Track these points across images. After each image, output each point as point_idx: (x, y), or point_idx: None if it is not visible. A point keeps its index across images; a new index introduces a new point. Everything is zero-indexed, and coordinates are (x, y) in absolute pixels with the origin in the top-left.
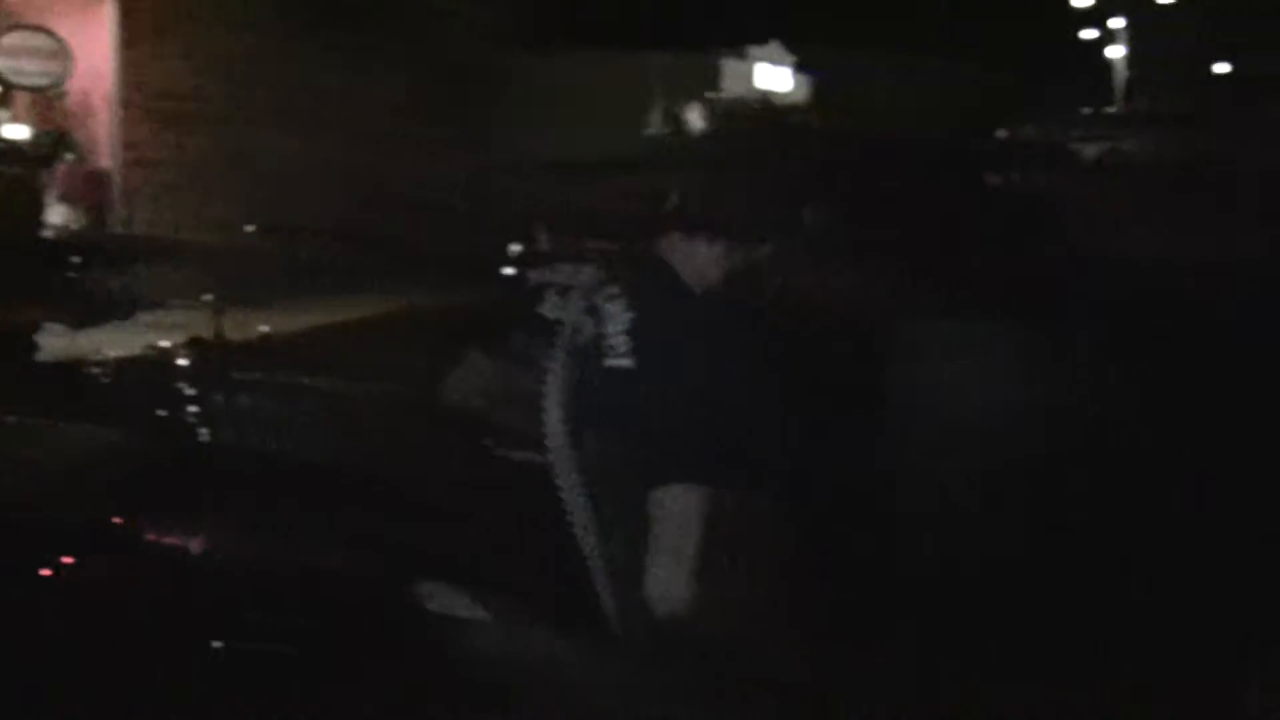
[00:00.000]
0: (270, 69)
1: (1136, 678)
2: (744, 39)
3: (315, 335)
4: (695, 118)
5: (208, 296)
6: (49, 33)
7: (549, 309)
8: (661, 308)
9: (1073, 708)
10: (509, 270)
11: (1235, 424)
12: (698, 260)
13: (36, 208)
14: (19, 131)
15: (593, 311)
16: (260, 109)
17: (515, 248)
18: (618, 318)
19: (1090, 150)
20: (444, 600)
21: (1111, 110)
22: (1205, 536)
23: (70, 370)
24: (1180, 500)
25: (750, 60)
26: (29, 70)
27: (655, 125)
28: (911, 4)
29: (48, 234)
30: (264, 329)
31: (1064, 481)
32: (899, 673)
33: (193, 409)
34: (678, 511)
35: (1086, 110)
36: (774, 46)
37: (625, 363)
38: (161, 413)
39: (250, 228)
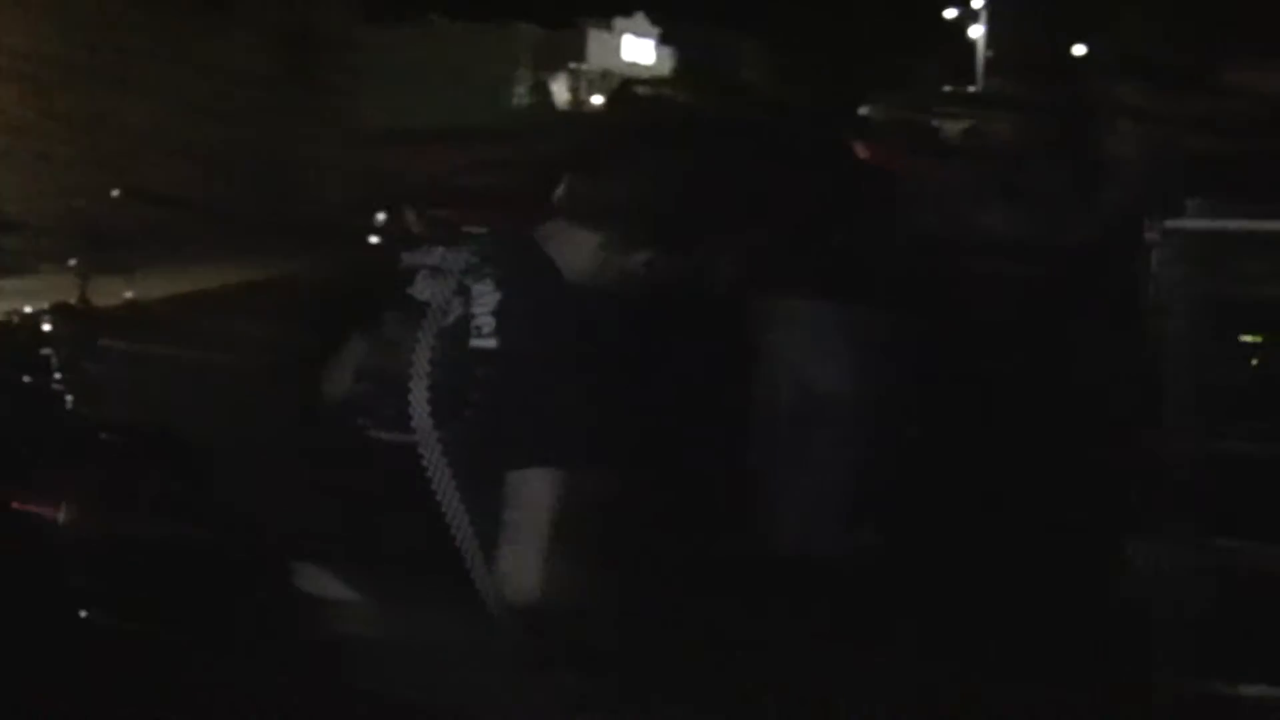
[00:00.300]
0: (133, 33)
1: None
2: (610, 10)
3: (180, 302)
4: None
5: (73, 262)
6: None
7: (419, 290)
8: (532, 292)
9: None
10: (374, 241)
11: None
12: (576, 248)
13: None
14: None
15: (462, 292)
16: (124, 73)
17: (381, 218)
18: (486, 299)
19: (950, 129)
20: (312, 580)
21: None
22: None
23: None
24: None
25: (617, 32)
26: None
27: (521, 96)
28: None
29: None
30: (129, 295)
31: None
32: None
33: (56, 376)
34: (534, 494)
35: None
36: (640, 19)
37: (490, 344)
38: (25, 379)
39: (115, 192)
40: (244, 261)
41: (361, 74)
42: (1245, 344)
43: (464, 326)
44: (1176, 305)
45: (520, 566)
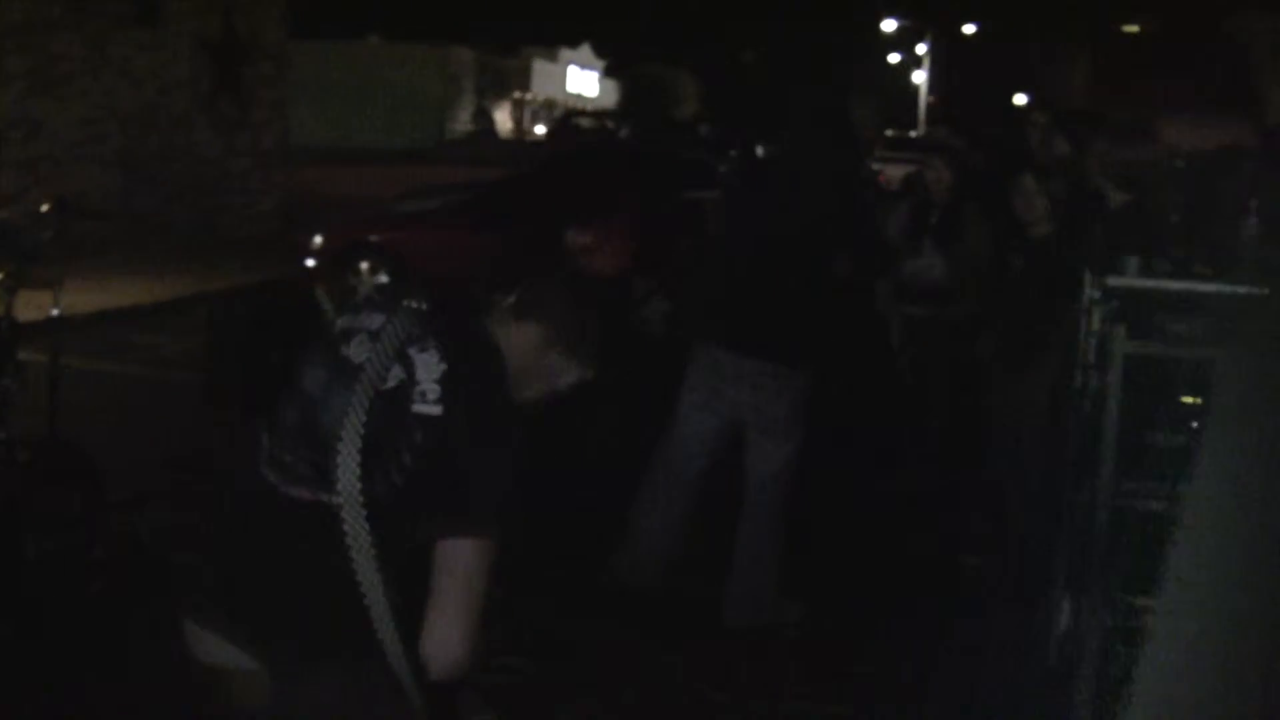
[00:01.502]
0: (63, 41)
1: None
2: (555, 39)
3: (105, 318)
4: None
5: None
6: None
7: (355, 352)
8: (479, 367)
9: None
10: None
11: None
12: (520, 346)
13: None
14: None
15: (403, 359)
16: (53, 81)
17: (318, 240)
18: (431, 368)
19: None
20: (211, 647)
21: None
22: None
23: None
24: None
25: (562, 63)
26: None
27: (463, 121)
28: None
29: None
30: (55, 311)
31: None
32: None
33: None
34: (466, 563)
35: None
36: (585, 51)
37: (434, 410)
38: None
39: (44, 207)
40: (172, 276)
41: (295, 90)
42: (1185, 405)
43: (405, 393)
44: (1112, 362)
45: (445, 638)
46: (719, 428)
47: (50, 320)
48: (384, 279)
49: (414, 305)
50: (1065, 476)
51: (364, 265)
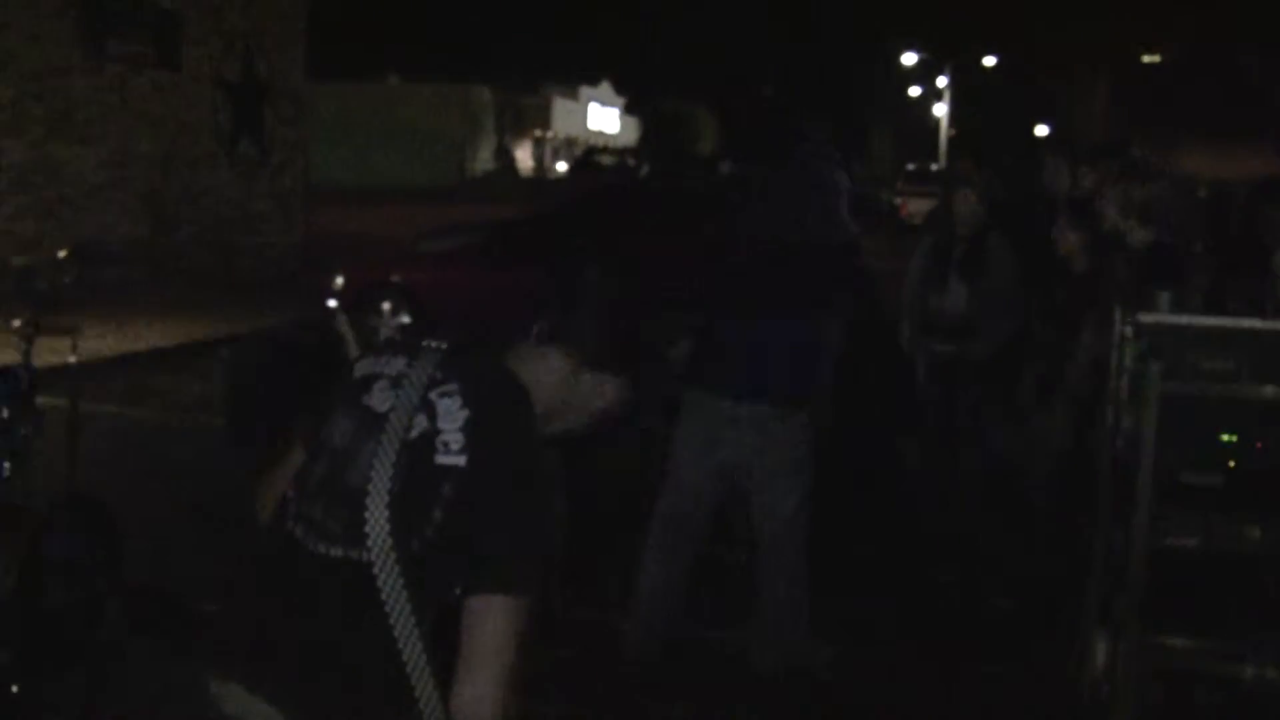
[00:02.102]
0: (84, 84)
1: None
2: (575, 77)
3: (124, 362)
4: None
5: (16, 323)
6: None
7: (377, 401)
8: (505, 413)
9: None
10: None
11: None
12: (548, 376)
13: None
14: None
15: (426, 407)
16: (73, 124)
17: (339, 281)
18: (455, 415)
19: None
20: (239, 704)
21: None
22: None
23: None
24: None
25: (583, 100)
26: None
27: (484, 160)
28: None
29: None
30: (73, 359)
31: None
32: None
33: None
34: (498, 622)
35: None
36: (605, 88)
37: (459, 461)
38: None
39: (63, 253)
40: (192, 319)
41: (315, 131)
42: (1220, 442)
43: (429, 441)
44: (1146, 402)
45: (475, 699)
46: (718, 477)
47: (69, 368)
48: (405, 319)
49: (434, 346)
50: (1099, 515)
51: (385, 306)
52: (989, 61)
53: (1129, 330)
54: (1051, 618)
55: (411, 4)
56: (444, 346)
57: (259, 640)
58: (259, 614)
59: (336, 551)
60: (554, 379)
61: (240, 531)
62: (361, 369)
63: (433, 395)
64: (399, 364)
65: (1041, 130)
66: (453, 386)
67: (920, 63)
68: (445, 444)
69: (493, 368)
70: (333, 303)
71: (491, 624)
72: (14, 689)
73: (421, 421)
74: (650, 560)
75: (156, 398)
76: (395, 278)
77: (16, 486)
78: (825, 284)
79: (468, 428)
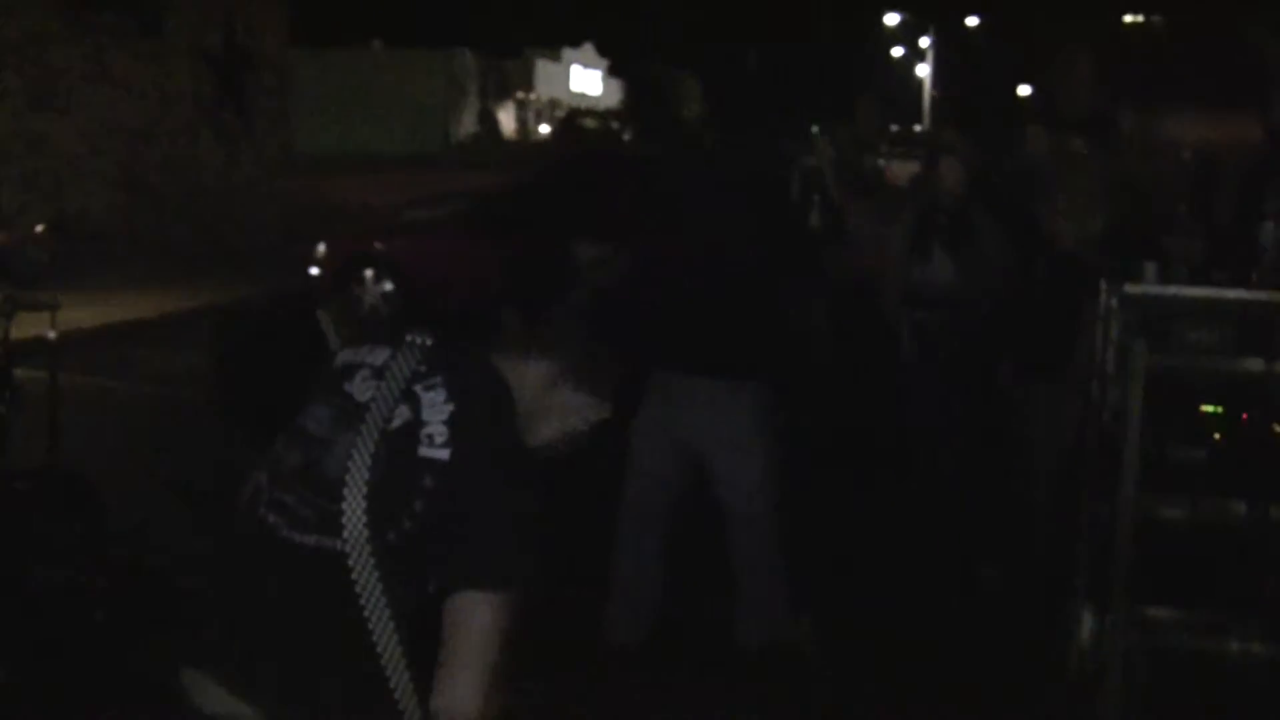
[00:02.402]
0: (63, 55)
1: None
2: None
3: (107, 333)
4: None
5: None
6: None
7: (358, 390)
8: (488, 407)
9: None
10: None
11: None
12: (532, 382)
13: None
14: None
15: (409, 399)
16: (53, 95)
17: (321, 249)
18: (438, 408)
19: (897, 172)
20: (213, 697)
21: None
22: None
23: None
24: None
25: (565, 63)
26: None
27: (466, 125)
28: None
29: None
30: (51, 335)
31: None
32: None
33: None
34: (477, 617)
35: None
36: (588, 50)
37: (442, 455)
38: None
39: (40, 227)
40: (175, 290)
41: (298, 98)
42: (1206, 415)
43: (412, 433)
44: (1133, 376)
45: (457, 698)
46: (677, 458)
47: (48, 342)
48: (388, 287)
49: (418, 340)
50: (1085, 487)
51: (368, 274)
52: (972, 22)
53: (1115, 302)
54: (1039, 588)
55: None
56: (428, 341)
57: (233, 632)
58: (233, 604)
59: (310, 540)
60: (535, 384)
61: (221, 507)
62: (343, 358)
63: (416, 388)
64: (382, 355)
65: (1024, 90)
66: (437, 379)
67: (903, 24)
68: (429, 436)
69: (477, 363)
70: (315, 270)
71: (474, 620)
72: None
73: (404, 413)
74: (623, 549)
75: (138, 369)
76: (378, 246)
77: None
78: (776, 258)
79: (452, 421)
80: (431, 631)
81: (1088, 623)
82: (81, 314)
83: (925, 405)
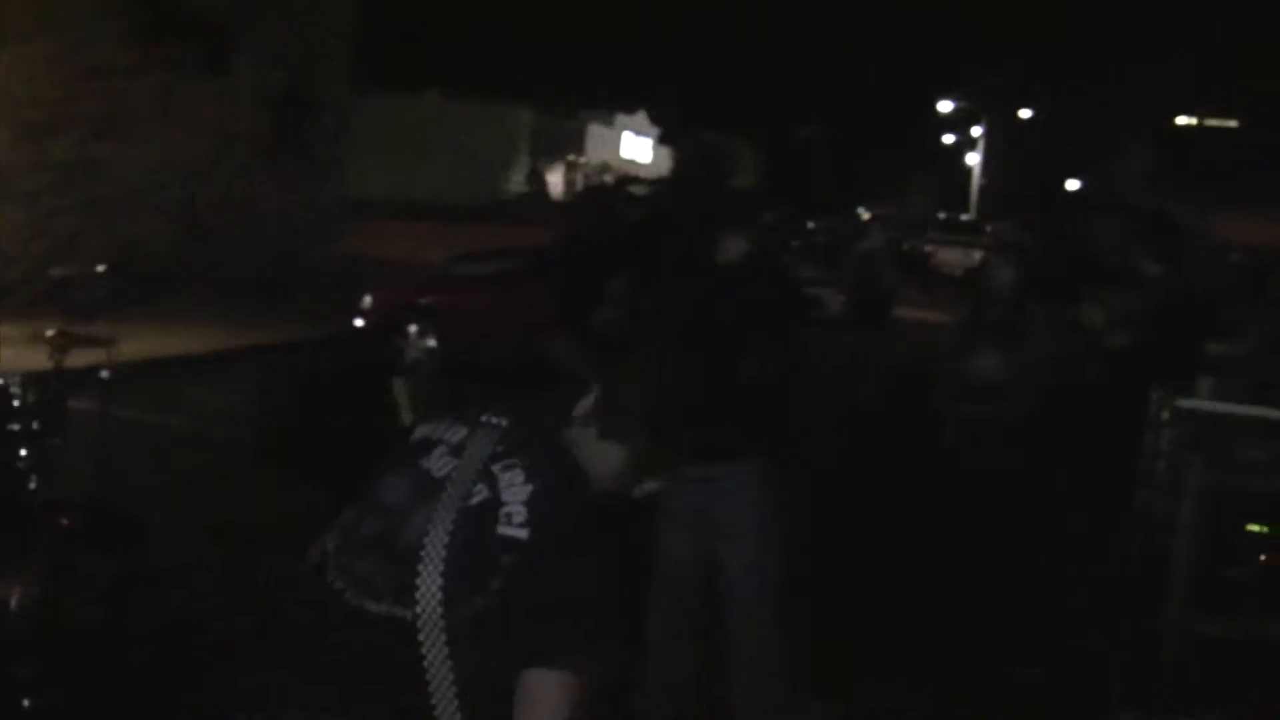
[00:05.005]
0: (130, 87)
1: None
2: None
3: (154, 367)
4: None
5: (50, 333)
6: None
7: (436, 465)
8: (564, 491)
9: None
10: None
11: None
12: (604, 461)
13: None
14: None
15: (486, 478)
16: (118, 125)
17: (367, 301)
18: (517, 489)
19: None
20: None
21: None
22: None
23: None
24: None
25: (617, 128)
26: None
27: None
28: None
29: None
30: (105, 374)
31: None
32: None
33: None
34: (548, 696)
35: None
36: (640, 117)
37: (520, 534)
38: None
39: (101, 267)
40: (222, 328)
41: (353, 144)
42: (1252, 534)
43: (490, 511)
44: (1187, 494)
45: None
46: (687, 538)
47: (100, 378)
48: (433, 343)
49: (494, 421)
50: (1128, 598)
51: (412, 329)
52: (1025, 114)
53: (1166, 415)
54: (1079, 690)
55: (455, 21)
56: (504, 422)
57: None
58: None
59: (381, 608)
60: (609, 468)
61: (261, 549)
62: (420, 433)
63: (494, 468)
64: (460, 433)
65: (1073, 184)
66: (514, 460)
67: (956, 110)
68: (508, 515)
69: (554, 446)
70: (359, 323)
71: (546, 697)
72: (25, 703)
73: (482, 490)
74: (653, 627)
75: (186, 405)
76: (424, 300)
77: (45, 496)
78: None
79: (530, 502)
80: (489, 704)
81: None
82: (131, 346)
83: (963, 494)
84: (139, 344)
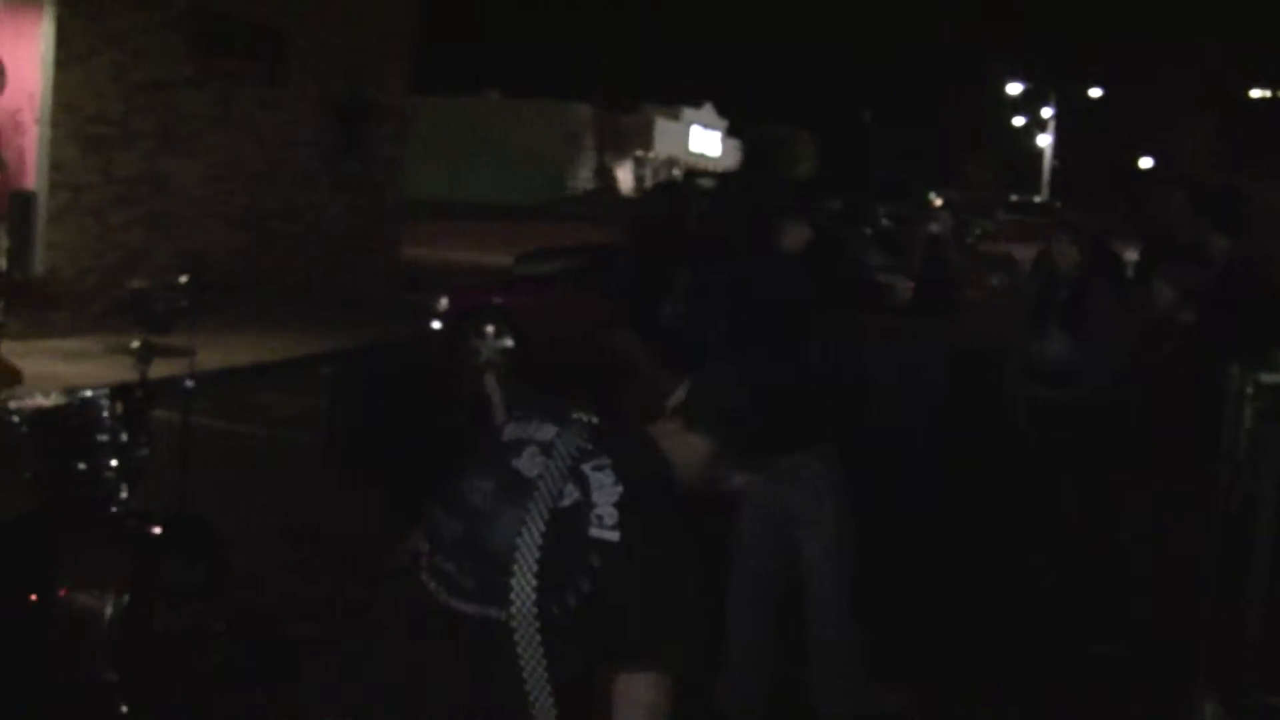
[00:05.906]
0: (192, 99)
1: None
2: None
3: (227, 376)
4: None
5: (135, 344)
6: None
7: (526, 466)
8: (655, 491)
9: None
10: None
11: None
12: (692, 455)
13: None
14: None
15: (577, 478)
16: (181, 136)
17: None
18: (608, 490)
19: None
20: None
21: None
22: None
23: None
24: None
25: (685, 122)
26: None
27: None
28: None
29: None
30: (189, 384)
31: None
32: None
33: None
34: (643, 698)
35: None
36: (708, 110)
37: (612, 536)
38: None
39: (183, 278)
40: (291, 335)
41: (414, 145)
42: None
43: (581, 513)
44: (1269, 468)
45: None
46: (770, 528)
47: (183, 389)
48: (508, 343)
49: (584, 419)
50: (1211, 572)
51: (489, 329)
52: (1094, 93)
53: (1250, 389)
54: (1152, 667)
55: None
56: (593, 419)
57: (386, 692)
58: (385, 664)
59: (470, 608)
60: (696, 461)
61: (338, 554)
62: (510, 433)
63: (584, 467)
64: (549, 431)
65: (1146, 162)
66: (605, 460)
67: (1025, 92)
68: (599, 517)
69: (643, 444)
70: (437, 325)
71: (640, 700)
72: (123, 709)
73: (573, 492)
74: (733, 618)
75: (259, 413)
76: (497, 300)
77: (131, 506)
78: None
79: (622, 504)
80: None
81: (1210, 712)
82: (205, 355)
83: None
84: (211, 352)
